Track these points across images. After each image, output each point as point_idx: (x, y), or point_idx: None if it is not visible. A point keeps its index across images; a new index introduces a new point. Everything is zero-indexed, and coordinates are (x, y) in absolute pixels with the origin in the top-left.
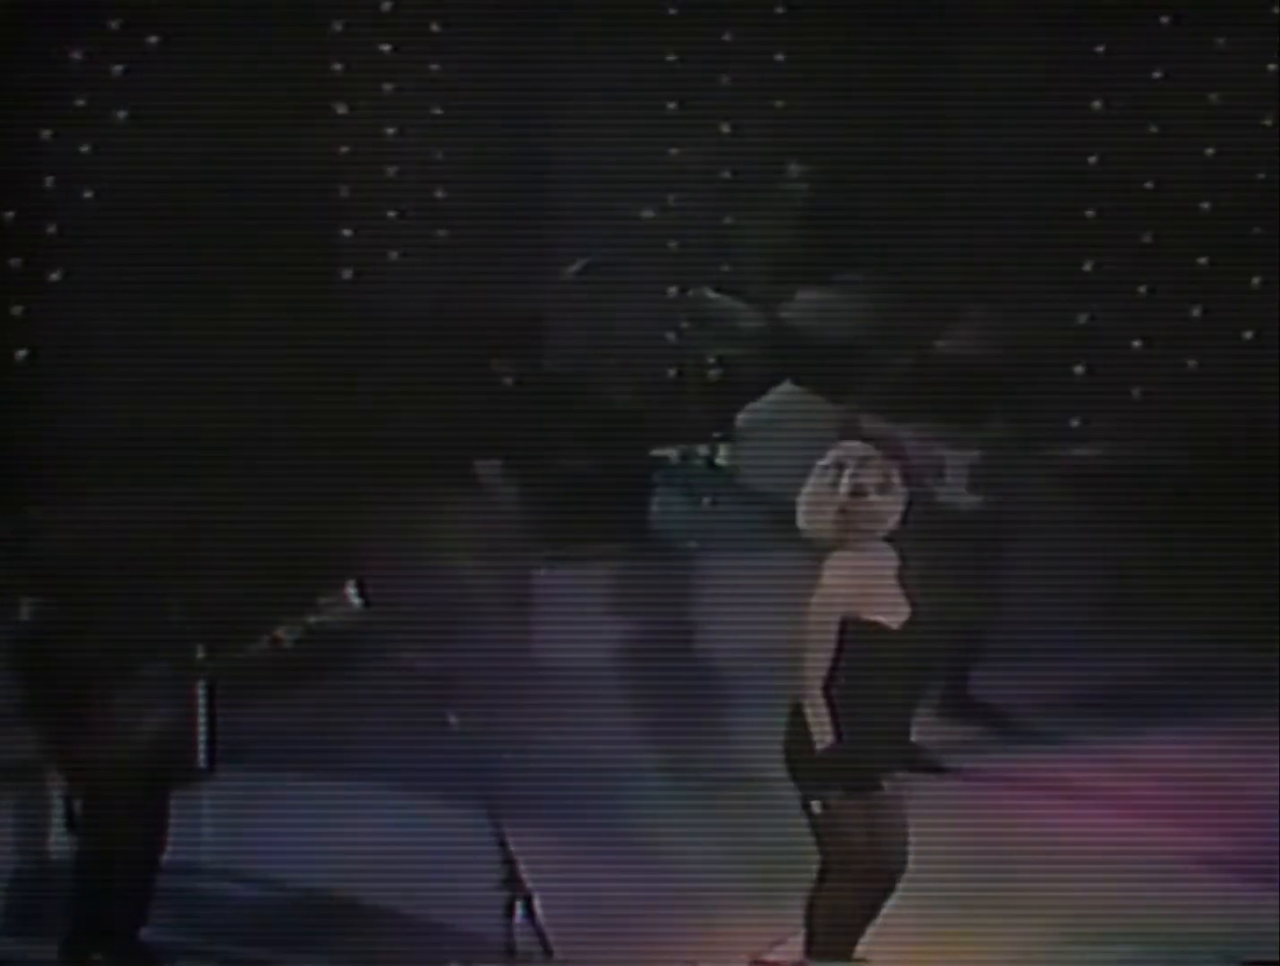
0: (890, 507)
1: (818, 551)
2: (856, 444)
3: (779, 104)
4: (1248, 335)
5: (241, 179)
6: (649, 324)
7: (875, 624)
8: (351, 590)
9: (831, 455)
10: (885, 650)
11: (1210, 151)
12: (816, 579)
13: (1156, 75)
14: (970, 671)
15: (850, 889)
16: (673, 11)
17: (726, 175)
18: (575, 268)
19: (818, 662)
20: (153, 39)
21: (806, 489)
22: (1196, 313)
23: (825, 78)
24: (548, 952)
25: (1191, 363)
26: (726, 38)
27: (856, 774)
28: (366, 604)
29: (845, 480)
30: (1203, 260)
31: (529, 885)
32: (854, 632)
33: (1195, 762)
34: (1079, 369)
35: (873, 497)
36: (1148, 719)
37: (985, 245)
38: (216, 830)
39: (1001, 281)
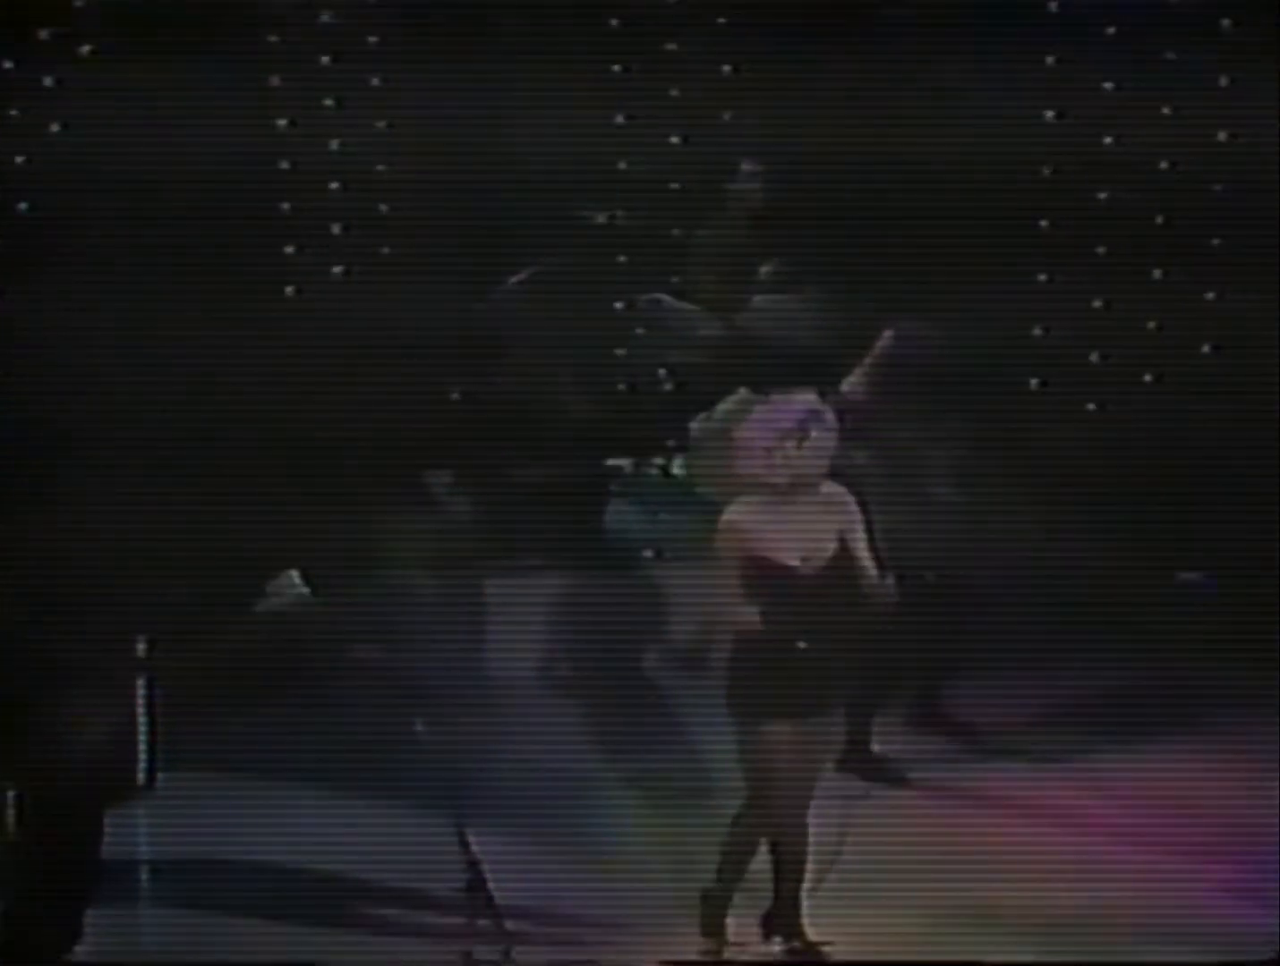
0: (821, 456)
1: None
2: (799, 392)
3: (727, 116)
4: (1205, 348)
5: (178, 191)
6: (599, 335)
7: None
8: (295, 575)
9: (772, 400)
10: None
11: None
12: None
13: (1108, 86)
14: (940, 684)
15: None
16: (614, 23)
17: (675, 186)
18: (520, 277)
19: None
20: (85, 48)
21: (741, 431)
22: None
23: (773, 88)
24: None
25: (1148, 377)
26: (671, 47)
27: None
28: (313, 591)
29: (783, 424)
30: (1157, 272)
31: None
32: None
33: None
34: (1034, 381)
35: (810, 442)
36: (1122, 735)
37: (938, 252)
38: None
39: (953, 290)
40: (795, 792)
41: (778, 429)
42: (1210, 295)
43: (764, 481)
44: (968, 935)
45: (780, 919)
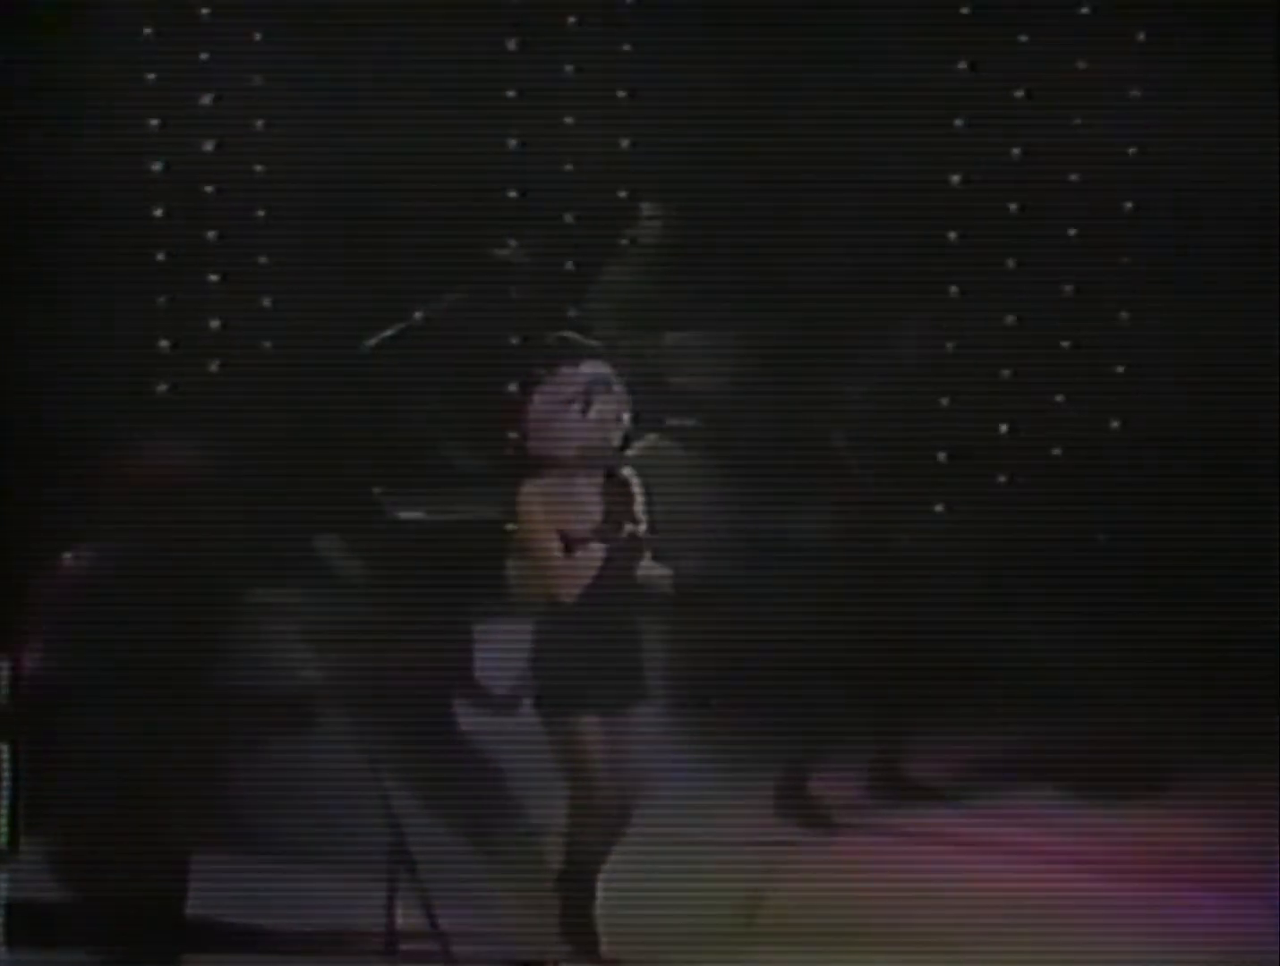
0: (608, 426)
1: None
2: (597, 366)
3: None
4: (1119, 369)
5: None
6: (491, 374)
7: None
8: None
9: (564, 372)
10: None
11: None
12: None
13: (1019, 94)
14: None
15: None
16: (512, 47)
17: (569, 219)
18: (389, 333)
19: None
20: None
21: (528, 405)
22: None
23: (672, 110)
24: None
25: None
26: (569, 70)
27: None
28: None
29: (566, 393)
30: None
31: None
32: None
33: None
34: (944, 401)
35: (596, 410)
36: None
37: (844, 271)
38: None
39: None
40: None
41: (561, 397)
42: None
43: (552, 454)
44: None
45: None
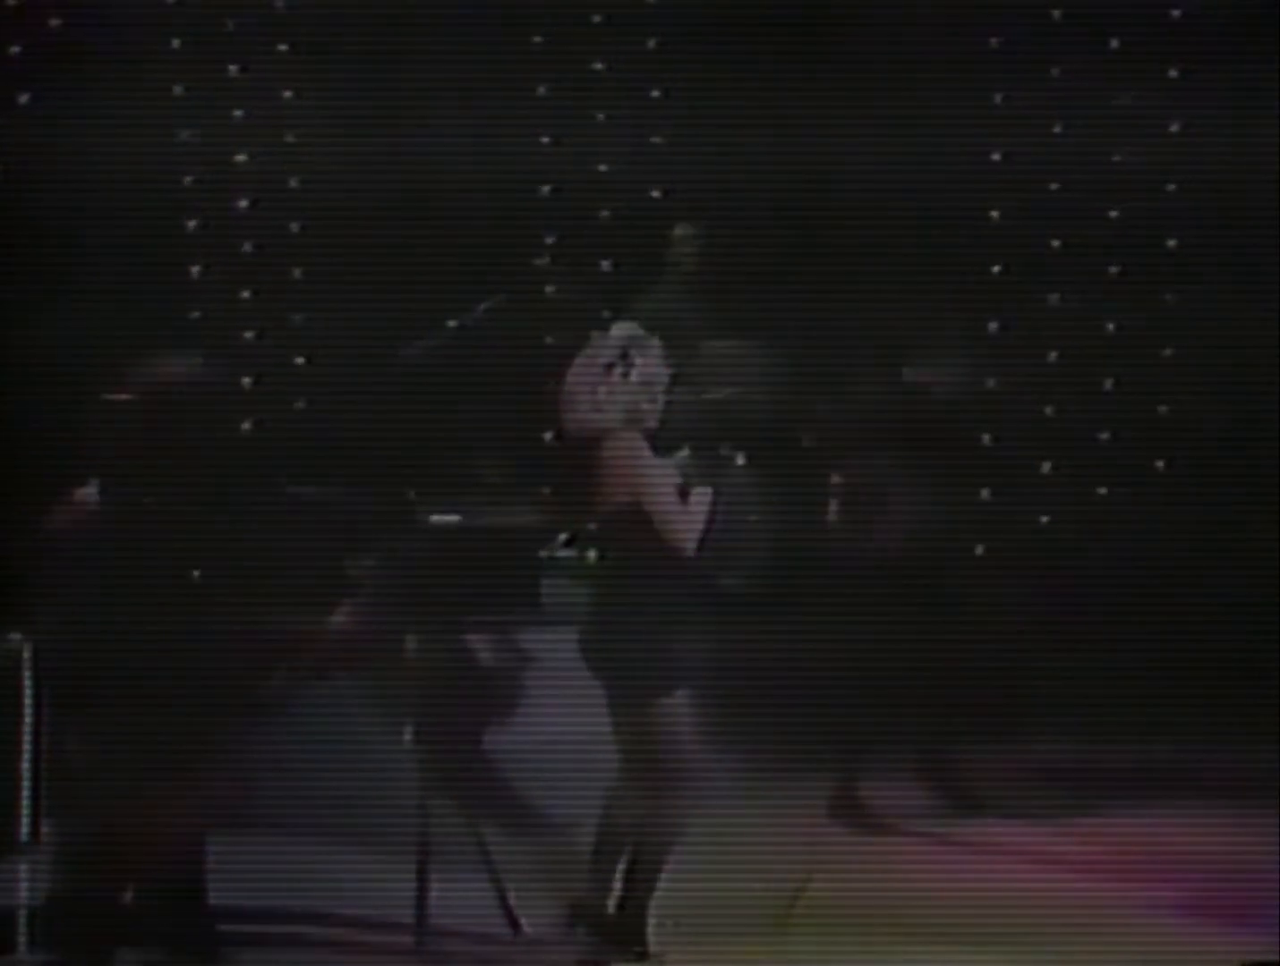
0: (652, 389)
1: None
2: (630, 328)
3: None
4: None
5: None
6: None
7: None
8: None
9: (607, 336)
10: None
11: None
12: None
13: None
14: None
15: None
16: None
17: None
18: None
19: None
20: None
21: (566, 380)
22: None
23: (700, 110)
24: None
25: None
26: (598, 66)
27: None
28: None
29: (603, 358)
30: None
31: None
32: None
33: None
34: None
35: (638, 372)
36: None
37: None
38: None
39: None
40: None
41: (599, 364)
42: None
43: (597, 426)
44: None
45: (623, 926)
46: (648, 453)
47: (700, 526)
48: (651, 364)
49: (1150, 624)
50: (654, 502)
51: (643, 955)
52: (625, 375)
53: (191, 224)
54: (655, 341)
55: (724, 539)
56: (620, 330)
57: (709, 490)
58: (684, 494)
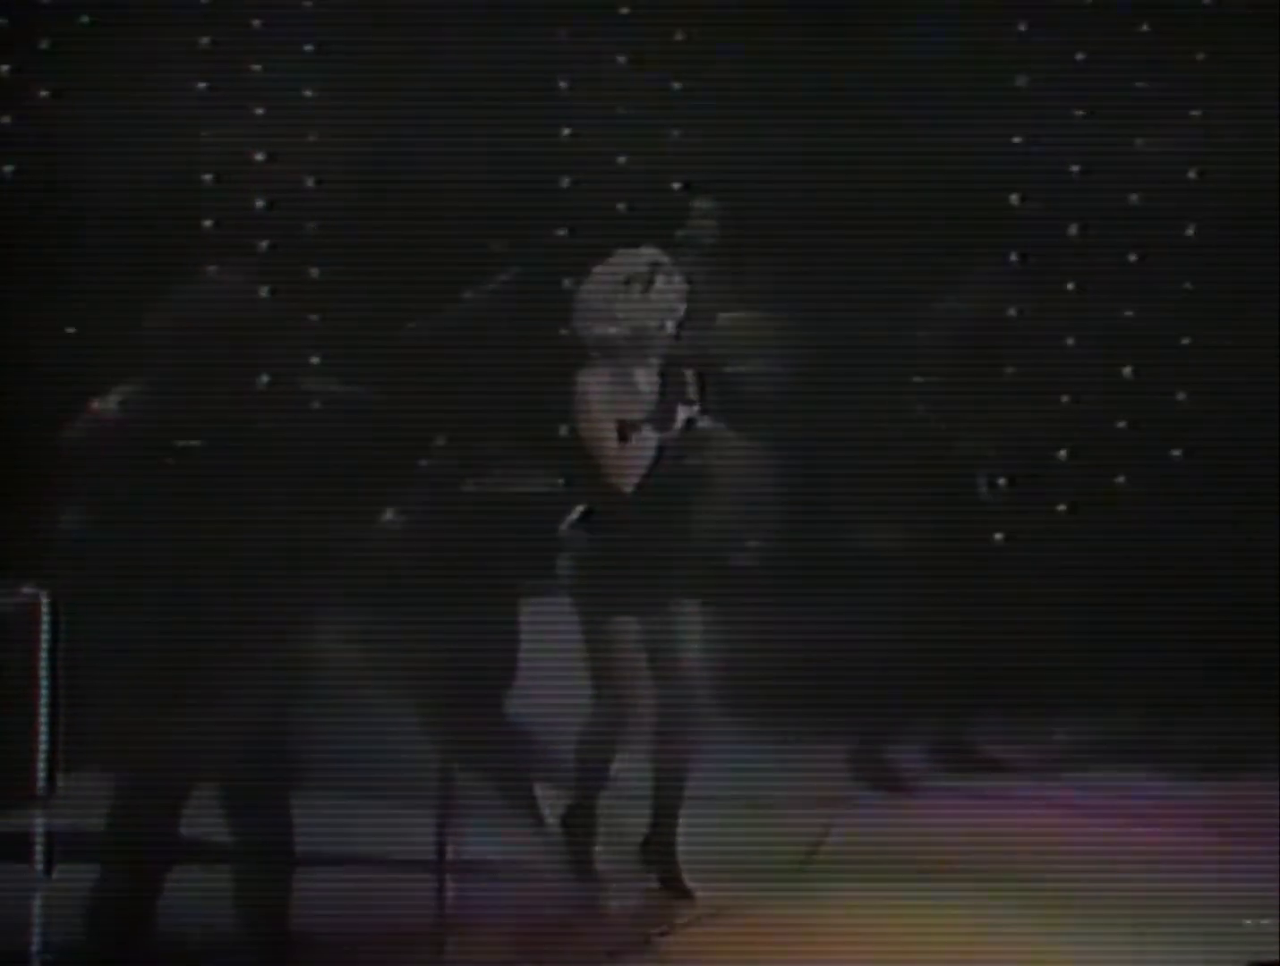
0: (666, 310)
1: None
2: (657, 252)
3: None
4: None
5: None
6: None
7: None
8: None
9: (634, 252)
10: None
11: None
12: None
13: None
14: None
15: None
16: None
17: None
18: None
19: (609, 459)
20: None
21: (590, 287)
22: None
23: (721, 97)
24: None
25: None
26: (621, 60)
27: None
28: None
29: (625, 271)
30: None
31: None
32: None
33: None
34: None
35: (657, 291)
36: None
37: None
38: None
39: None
40: (645, 693)
41: (620, 277)
42: None
43: (608, 337)
44: None
45: (652, 850)
46: (602, 387)
47: (639, 467)
48: (670, 290)
49: (1168, 611)
50: (593, 438)
51: (683, 893)
52: (644, 291)
53: (208, 222)
54: (680, 273)
55: (741, 510)
56: (648, 251)
57: (655, 435)
58: (626, 433)
